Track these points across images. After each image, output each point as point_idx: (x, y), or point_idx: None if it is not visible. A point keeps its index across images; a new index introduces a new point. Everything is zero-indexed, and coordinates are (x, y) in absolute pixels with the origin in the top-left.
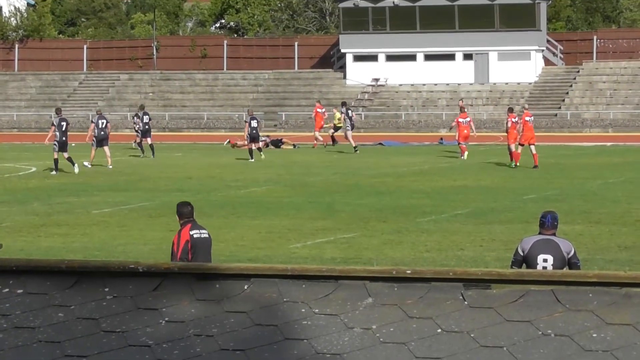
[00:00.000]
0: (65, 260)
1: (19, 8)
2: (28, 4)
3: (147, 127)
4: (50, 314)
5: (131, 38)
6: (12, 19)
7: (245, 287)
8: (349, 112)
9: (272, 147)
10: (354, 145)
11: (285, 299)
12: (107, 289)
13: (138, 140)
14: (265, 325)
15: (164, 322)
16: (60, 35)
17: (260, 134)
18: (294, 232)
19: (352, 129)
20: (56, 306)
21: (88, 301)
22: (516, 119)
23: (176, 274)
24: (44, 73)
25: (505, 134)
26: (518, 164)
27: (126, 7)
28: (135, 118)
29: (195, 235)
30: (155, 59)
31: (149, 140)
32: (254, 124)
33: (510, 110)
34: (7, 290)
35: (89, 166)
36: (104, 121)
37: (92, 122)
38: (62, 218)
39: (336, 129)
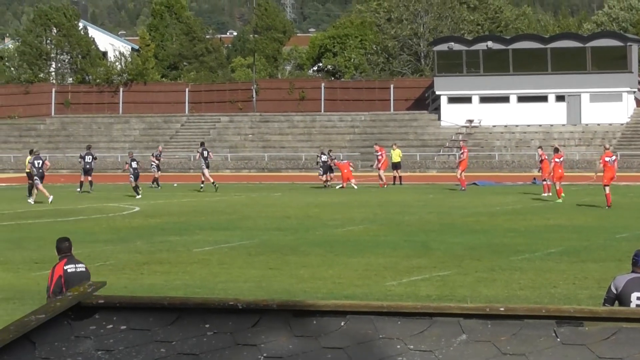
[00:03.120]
0: (167, 298)
1: (123, 53)
2: (132, 49)
3: (88, 166)
4: (152, 349)
5: (231, 81)
6: (117, 63)
7: (342, 324)
8: (205, 152)
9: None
10: (211, 182)
11: (381, 335)
12: (207, 325)
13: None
14: None
15: (262, 357)
16: (163, 79)
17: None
18: (389, 269)
19: (207, 167)
20: (158, 342)
21: (189, 337)
22: (560, 160)
23: (274, 311)
24: (148, 115)
25: (601, 174)
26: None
27: (227, 51)
28: (80, 158)
29: (69, 270)
30: (254, 101)
31: (89, 178)
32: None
33: (556, 150)
34: (111, 326)
35: (32, 202)
36: (40, 161)
37: (29, 162)
38: (164, 256)
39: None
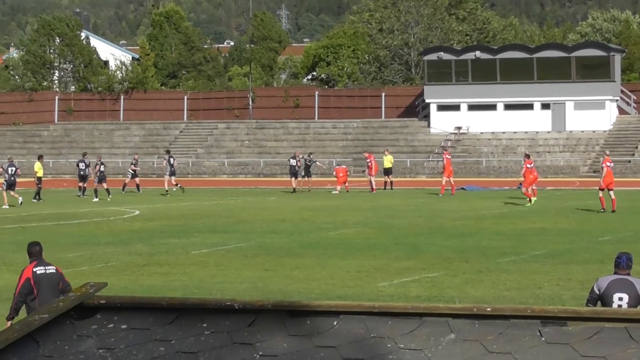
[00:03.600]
0: (166, 298)
1: (124, 62)
2: (133, 58)
3: (12, 178)
4: (152, 348)
5: (228, 89)
6: (118, 72)
7: (335, 323)
8: (171, 159)
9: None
10: (166, 189)
11: (372, 335)
12: (205, 325)
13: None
14: (353, 359)
15: (258, 356)
16: (163, 87)
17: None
18: (380, 271)
19: (171, 175)
20: (157, 341)
21: (187, 336)
22: (531, 165)
23: (270, 311)
24: (147, 122)
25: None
26: (605, 209)
27: (224, 60)
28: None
29: (38, 272)
30: (251, 108)
31: (11, 192)
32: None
33: (527, 156)
34: (112, 325)
35: (7, 207)
36: (14, 168)
37: (1, 167)
38: (163, 258)
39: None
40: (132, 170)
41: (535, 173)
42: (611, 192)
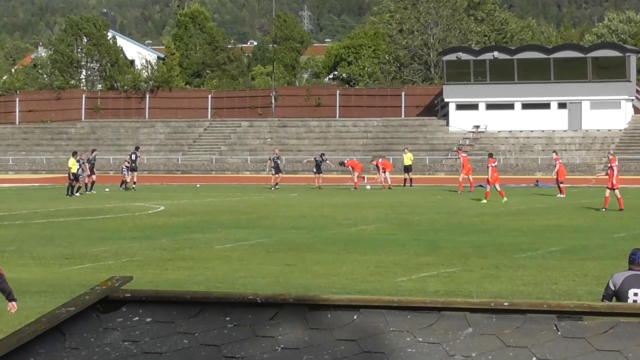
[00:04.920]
0: (190, 292)
1: (150, 61)
2: (158, 57)
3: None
4: (176, 340)
5: (252, 88)
6: (144, 71)
7: (355, 317)
8: (133, 155)
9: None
10: (133, 185)
11: (391, 329)
12: (228, 318)
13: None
14: (373, 352)
15: (279, 348)
16: (187, 86)
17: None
18: (400, 266)
19: (132, 170)
20: (181, 333)
21: (210, 329)
22: (495, 164)
23: (291, 305)
24: (172, 120)
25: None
26: (607, 208)
27: (247, 60)
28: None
29: None
30: (273, 107)
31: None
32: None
33: (490, 155)
34: (137, 318)
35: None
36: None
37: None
38: (187, 253)
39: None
40: (128, 165)
41: (496, 174)
42: (617, 191)
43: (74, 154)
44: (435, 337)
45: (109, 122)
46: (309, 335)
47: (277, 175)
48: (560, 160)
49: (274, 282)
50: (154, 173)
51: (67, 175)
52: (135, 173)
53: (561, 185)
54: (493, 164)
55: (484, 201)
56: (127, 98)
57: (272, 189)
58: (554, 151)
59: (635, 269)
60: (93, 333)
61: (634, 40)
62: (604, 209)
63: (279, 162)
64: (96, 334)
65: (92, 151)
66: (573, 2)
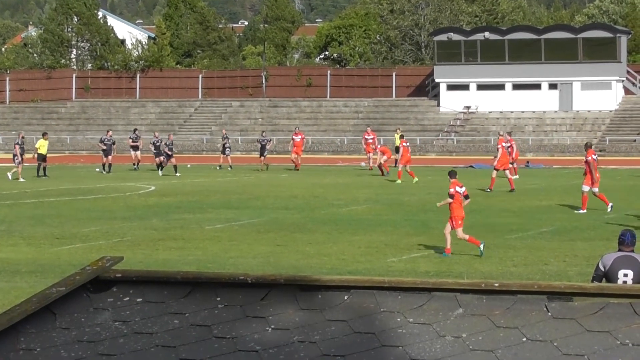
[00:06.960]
0: (180, 272)
1: (140, 41)
2: (149, 37)
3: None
4: (166, 320)
5: (242, 68)
6: (135, 50)
7: (346, 298)
8: (102, 136)
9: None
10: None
11: (382, 309)
12: (218, 298)
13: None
14: (363, 333)
15: (270, 329)
16: (178, 66)
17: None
18: (390, 247)
19: (136, 150)
20: (172, 314)
21: (201, 309)
22: (406, 144)
23: (282, 285)
24: (163, 100)
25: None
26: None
27: (238, 40)
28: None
29: None
30: (264, 87)
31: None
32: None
33: (402, 137)
34: (127, 299)
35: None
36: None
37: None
38: (178, 233)
39: (397, 150)
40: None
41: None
42: (506, 172)
43: (44, 134)
44: (426, 317)
45: (100, 102)
46: (299, 315)
47: (262, 158)
48: (406, 143)
49: (264, 262)
50: (144, 153)
51: (44, 154)
52: (138, 152)
53: (514, 166)
54: (405, 144)
55: (399, 181)
56: (118, 78)
57: (261, 170)
58: (509, 132)
59: (625, 250)
60: (84, 313)
61: (624, 21)
62: (489, 190)
63: (265, 143)
64: (87, 314)
65: (107, 132)
66: None
